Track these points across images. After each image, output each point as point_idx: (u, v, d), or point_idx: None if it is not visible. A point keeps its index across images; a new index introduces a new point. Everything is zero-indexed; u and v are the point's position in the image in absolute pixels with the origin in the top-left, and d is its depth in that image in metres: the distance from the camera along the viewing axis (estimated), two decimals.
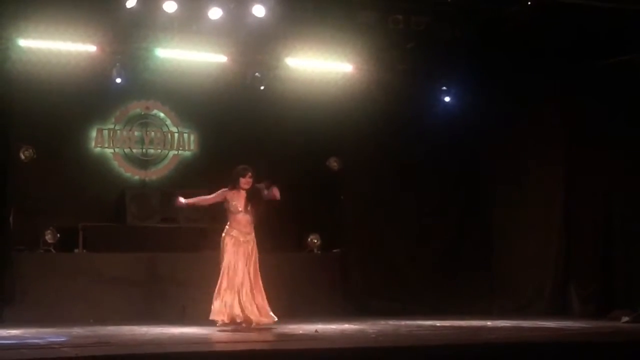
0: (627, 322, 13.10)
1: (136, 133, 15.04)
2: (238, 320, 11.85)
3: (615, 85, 13.98)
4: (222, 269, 11.99)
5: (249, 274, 11.99)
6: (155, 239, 14.23)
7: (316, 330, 11.59)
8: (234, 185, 12.08)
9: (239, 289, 11.88)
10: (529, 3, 12.84)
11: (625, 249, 14.13)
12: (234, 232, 12.05)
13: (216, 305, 11.93)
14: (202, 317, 13.10)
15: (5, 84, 13.34)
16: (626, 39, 13.34)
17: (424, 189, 15.47)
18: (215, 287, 11.99)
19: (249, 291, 11.93)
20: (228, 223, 12.11)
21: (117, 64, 13.77)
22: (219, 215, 14.58)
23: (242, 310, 11.83)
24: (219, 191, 12.13)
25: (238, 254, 11.98)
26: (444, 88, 15.55)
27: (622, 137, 14.17)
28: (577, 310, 14.50)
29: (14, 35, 13.13)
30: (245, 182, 12.04)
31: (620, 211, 14.33)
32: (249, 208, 12.08)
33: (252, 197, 12.06)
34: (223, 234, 12.10)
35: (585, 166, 14.68)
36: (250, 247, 12.07)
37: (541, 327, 12.52)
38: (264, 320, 11.94)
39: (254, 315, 11.89)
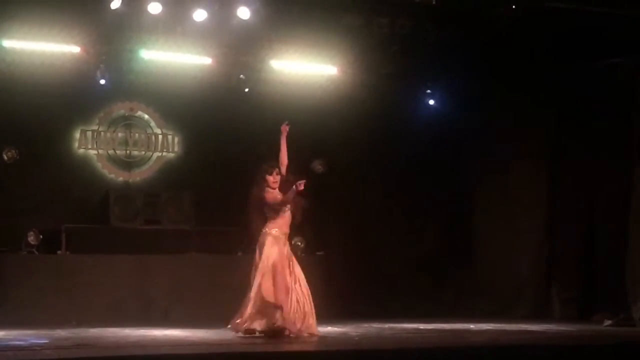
0: (609, 325, 13.14)
1: (120, 134, 14.98)
2: (281, 326, 10.91)
3: (601, 88, 14.01)
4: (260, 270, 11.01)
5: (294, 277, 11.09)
6: (138, 241, 14.19)
7: None
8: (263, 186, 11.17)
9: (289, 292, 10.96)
10: (514, 6, 12.85)
11: (608, 252, 14.16)
12: (274, 231, 11.15)
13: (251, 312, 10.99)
14: (185, 319, 13.12)
15: None
16: (612, 42, 13.37)
17: (407, 191, 15.52)
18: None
19: (299, 297, 11.04)
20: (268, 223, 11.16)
21: (101, 65, 13.75)
22: (203, 217, 14.63)
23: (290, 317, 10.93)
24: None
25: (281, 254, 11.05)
26: (429, 91, 15.61)
27: (606, 141, 14.21)
28: (558, 314, 14.53)
29: None
30: (273, 180, 11.22)
31: (603, 214, 14.36)
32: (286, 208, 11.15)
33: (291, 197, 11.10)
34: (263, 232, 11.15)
35: (569, 170, 14.73)
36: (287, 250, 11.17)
37: (525, 330, 12.54)
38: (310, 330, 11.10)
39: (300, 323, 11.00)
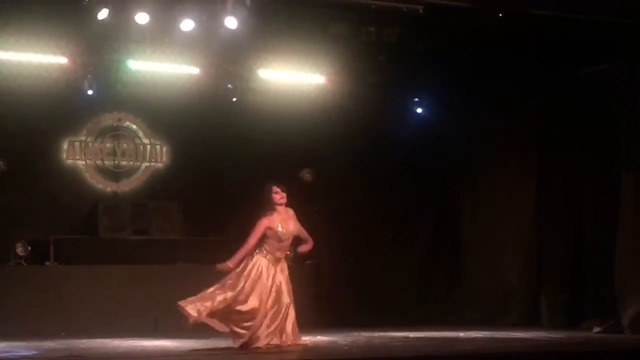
0: (598, 332, 13.15)
1: (108, 145, 14.97)
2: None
3: (589, 94, 14.05)
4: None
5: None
6: (127, 251, 14.19)
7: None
8: (270, 209, 11.01)
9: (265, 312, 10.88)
10: (500, 15, 12.88)
11: (596, 259, 14.18)
12: (269, 257, 11.03)
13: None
14: (174, 330, 13.08)
15: None
16: (598, 49, 13.42)
17: (395, 200, 15.53)
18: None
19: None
20: (265, 246, 10.97)
21: (89, 76, 13.74)
22: (191, 227, 14.63)
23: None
24: (259, 226, 10.86)
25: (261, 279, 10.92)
26: (416, 99, 15.66)
27: (594, 148, 14.25)
28: (547, 321, 14.55)
29: None
30: (280, 197, 11.05)
31: (591, 221, 14.39)
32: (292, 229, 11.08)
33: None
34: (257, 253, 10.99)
35: (557, 177, 14.76)
36: (277, 268, 11.08)
37: (514, 337, 12.55)
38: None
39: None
